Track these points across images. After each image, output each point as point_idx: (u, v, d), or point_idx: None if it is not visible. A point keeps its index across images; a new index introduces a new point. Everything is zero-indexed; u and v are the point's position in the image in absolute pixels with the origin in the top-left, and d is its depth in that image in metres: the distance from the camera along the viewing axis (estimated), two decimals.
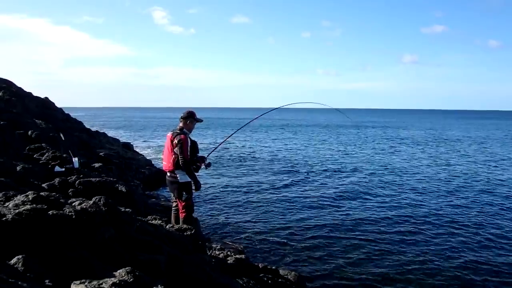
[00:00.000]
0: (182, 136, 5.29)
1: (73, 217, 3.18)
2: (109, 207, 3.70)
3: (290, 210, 9.49)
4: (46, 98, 19.74)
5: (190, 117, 5.53)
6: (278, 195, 11.14)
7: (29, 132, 10.03)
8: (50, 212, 3.03)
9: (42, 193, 3.72)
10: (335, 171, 15.75)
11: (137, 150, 19.59)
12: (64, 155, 8.10)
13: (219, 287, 3.61)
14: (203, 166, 5.62)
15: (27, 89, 19.12)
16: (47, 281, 2.41)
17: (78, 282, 2.43)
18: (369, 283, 5.60)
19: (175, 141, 5.27)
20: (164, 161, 5.54)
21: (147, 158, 16.53)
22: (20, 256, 2.48)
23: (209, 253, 5.21)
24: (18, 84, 19.16)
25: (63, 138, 10.02)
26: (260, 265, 5.26)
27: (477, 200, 10.82)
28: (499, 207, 10.00)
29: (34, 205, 3.08)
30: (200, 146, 5.82)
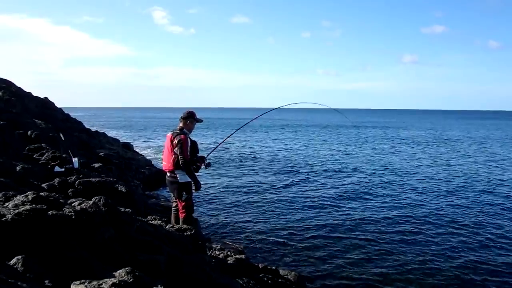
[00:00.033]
0: (182, 136, 5.29)
1: (73, 217, 3.17)
2: (109, 207, 3.70)
3: (290, 210, 9.48)
4: (46, 98, 19.74)
5: (190, 117, 5.53)
6: (278, 195, 11.14)
7: (29, 132, 10.03)
8: (49, 212, 3.03)
9: (41, 193, 3.72)
10: (335, 171, 15.74)
11: (137, 150, 19.59)
12: (64, 155, 8.10)
13: (219, 287, 3.61)
14: (203, 166, 5.62)
15: (27, 89, 19.15)
16: (46, 281, 2.41)
17: (78, 282, 2.43)
18: (369, 283, 5.59)
19: (175, 141, 5.27)
20: (164, 161, 5.54)
21: (147, 158, 16.52)
22: (19, 257, 2.48)
23: (209, 253, 5.20)
24: (18, 84, 19.19)
25: (63, 138, 10.02)
26: (260, 265, 5.26)
27: (477, 200, 10.81)
28: (500, 207, 10.00)
29: (33, 205, 3.07)
30: (200, 146, 5.82)
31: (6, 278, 2.21)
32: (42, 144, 9.04)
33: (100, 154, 11.84)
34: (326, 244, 7.11)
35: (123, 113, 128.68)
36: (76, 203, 3.76)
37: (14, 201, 3.50)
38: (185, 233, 4.63)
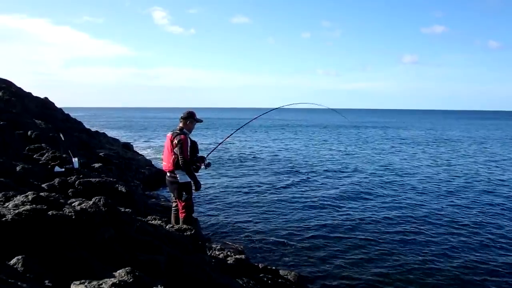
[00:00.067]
0: (182, 136, 5.29)
1: (73, 217, 3.18)
2: (109, 208, 3.70)
3: (290, 210, 9.48)
4: (46, 98, 19.74)
5: (190, 117, 5.53)
6: (278, 195, 11.14)
7: (29, 132, 10.03)
8: (49, 213, 3.03)
9: (41, 194, 3.72)
10: (335, 171, 15.74)
11: (137, 150, 19.59)
12: (64, 155, 8.10)
13: (219, 287, 3.61)
14: (203, 166, 5.63)
15: (27, 89, 19.16)
16: (47, 281, 2.41)
17: (78, 282, 2.43)
18: (369, 283, 5.59)
19: (175, 141, 5.27)
20: (164, 161, 5.54)
21: (147, 158, 16.52)
22: (19, 257, 2.48)
23: (209, 253, 5.21)
24: (18, 84, 19.20)
25: (63, 138, 10.02)
26: (260, 265, 5.26)
27: (477, 200, 10.81)
28: (500, 207, 9.99)
29: (33, 205, 3.08)
30: (200, 146, 5.82)
31: (6, 278, 2.22)
32: (42, 144, 9.04)
33: (100, 154, 11.84)
34: (326, 244, 7.11)
35: (123, 113, 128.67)
36: (76, 203, 3.76)
37: (14, 201, 3.50)
38: (185, 233, 4.63)
